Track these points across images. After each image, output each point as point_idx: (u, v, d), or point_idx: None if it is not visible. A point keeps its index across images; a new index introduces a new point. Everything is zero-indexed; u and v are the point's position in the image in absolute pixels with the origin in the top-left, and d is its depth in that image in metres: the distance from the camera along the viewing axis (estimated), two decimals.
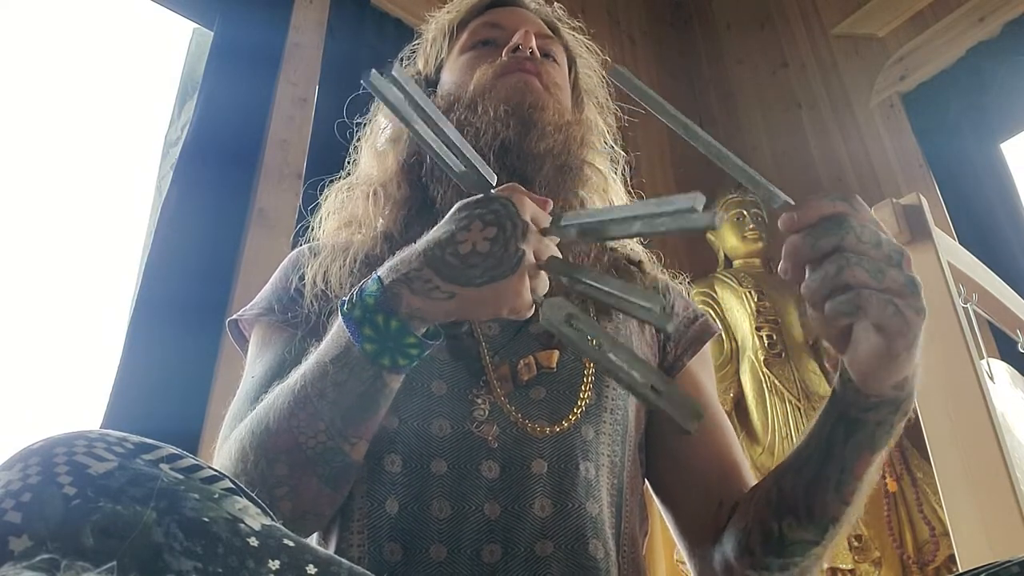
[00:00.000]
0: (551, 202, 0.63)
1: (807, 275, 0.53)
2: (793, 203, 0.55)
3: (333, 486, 0.63)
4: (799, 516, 0.64)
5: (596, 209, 0.59)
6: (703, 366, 0.86)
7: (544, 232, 0.59)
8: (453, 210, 0.60)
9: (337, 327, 0.61)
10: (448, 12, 0.92)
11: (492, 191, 0.61)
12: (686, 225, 0.54)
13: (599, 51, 0.98)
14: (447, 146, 0.61)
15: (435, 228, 0.60)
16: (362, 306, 0.58)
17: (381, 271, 0.60)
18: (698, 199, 0.52)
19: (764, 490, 0.69)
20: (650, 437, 0.81)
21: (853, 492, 0.63)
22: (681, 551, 0.79)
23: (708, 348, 0.88)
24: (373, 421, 0.63)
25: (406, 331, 0.57)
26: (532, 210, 0.59)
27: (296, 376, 0.63)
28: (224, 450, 0.65)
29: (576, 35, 0.96)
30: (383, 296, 0.57)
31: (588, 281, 0.57)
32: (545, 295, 0.59)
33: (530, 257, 0.57)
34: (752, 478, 0.78)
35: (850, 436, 0.60)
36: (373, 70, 0.58)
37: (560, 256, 0.61)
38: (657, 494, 0.82)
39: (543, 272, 0.59)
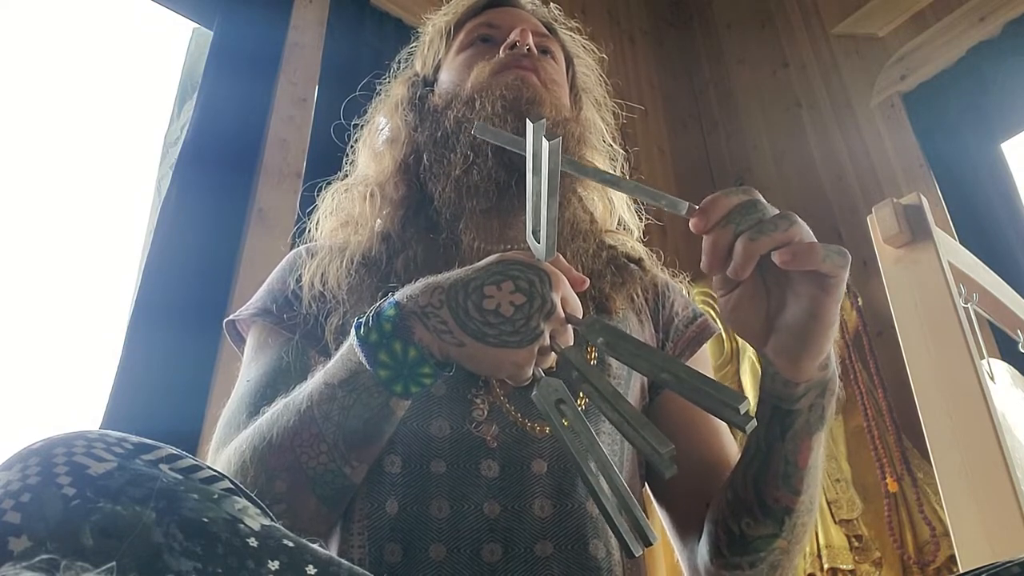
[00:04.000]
0: (587, 281, 0.64)
1: (750, 243, 0.53)
2: (697, 207, 0.56)
3: (330, 506, 0.63)
4: (754, 514, 0.66)
5: (634, 340, 0.59)
6: (702, 365, 0.86)
7: (571, 321, 0.60)
8: (491, 259, 0.60)
9: (347, 349, 0.61)
10: (445, 14, 0.93)
11: (537, 260, 0.61)
12: (715, 413, 0.53)
13: (596, 50, 0.99)
14: (542, 216, 0.61)
15: (466, 269, 0.60)
16: (379, 331, 0.58)
17: (400, 296, 0.60)
18: (745, 404, 0.52)
19: (722, 493, 0.70)
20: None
21: (801, 481, 0.64)
22: (674, 547, 0.80)
23: (706, 349, 0.88)
24: (376, 447, 0.63)
25: (423, 361, 0.58)
26: (566, 292, 0.60)
27: (303, 395, 0.63)
28: (222, 459, 0.65)
29: (573, 35, 0.96)
30: (400, 324, 0.58)
31: (599, 390, 0.56)
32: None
33: (546, 338, 0.57)
34: None
35: (786, 429, 0.62)
36: (540, 123, 0.60)
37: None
38: (654, 494, 0.82)
39: (552, 353, 0.59)
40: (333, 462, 0.61)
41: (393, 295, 0.61)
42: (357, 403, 0.59)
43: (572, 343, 0.60)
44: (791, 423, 0.62)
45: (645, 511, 0.79)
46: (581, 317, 0.60)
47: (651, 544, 0.53)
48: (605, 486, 0.55)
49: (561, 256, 0.63)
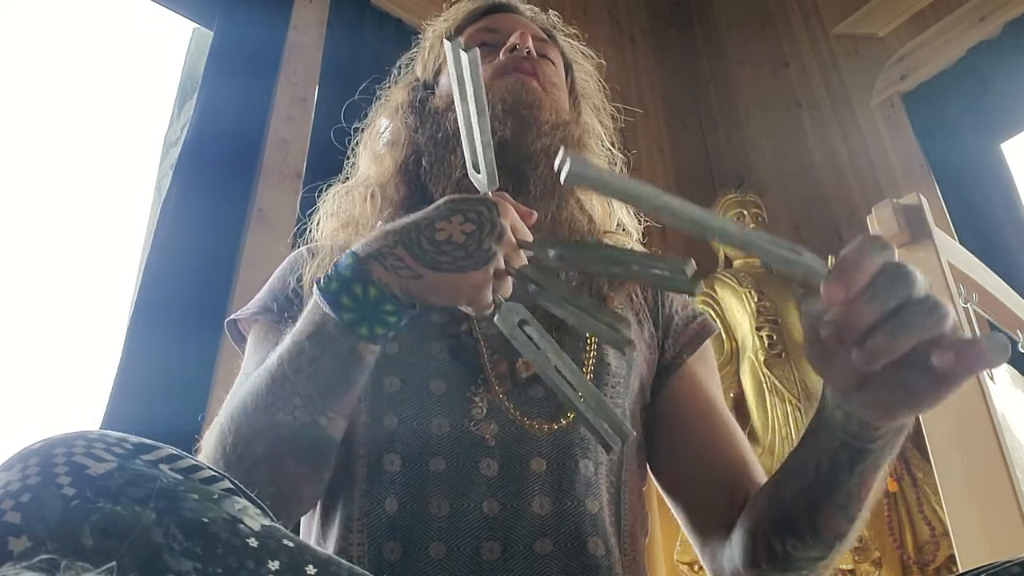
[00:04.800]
0: (535, 214, 0.66)
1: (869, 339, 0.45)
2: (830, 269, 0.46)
3: (311, 465, 0.63)
4: (804, 538, 0.63)
5: (582, 244, 0.62)
6: (703, 362, 0.86)
7: (522, 246, 0.62)
8: (440, 201, 0.63)
9: (312, 305, 0.62)
10: (445, 20, 0.94)
11: (484, 194, 0.64)
12: (667, 286, 0.56)
13: (595, 55, 0.99)
14: (476, 138, 0.64)
15: (416, 213, 0.63)
16: (339, 279, 0.59)
17: (356, 247, 0.62)
18: (689, 266, 0.53)
19: (765, 507, 0.67)
20: (654, 436, 0.81)
21: (860, 509, 0.61)
22: (693, 547, 0.79)
23: (709, 346, 0.88)
24: (349, 396, 0.63)
25: (384, 299, 0.59)
26: (514, 220, 0.62)
27: (273, 357, 0.63)
28: (206, 438, 0.65)
29: (571, 41, 0.97)
30: (359, 267, 0.59)
31: (555, 294, 0.60)
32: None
33: (499, 260, 0.60)
34: (760, 471, 0.77)
35: (855, 464, 0.57)
36: (458, 38, 0.62)
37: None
38: (666, 492, 0.82)
39: (509, 277, 0.62)
40: (308, 415, 0.61)
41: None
42: (325, 352, 0.60)
43: (525, 263, 0.63)
44: (862, 459, 0.56)
45: (646, 507, 0.79)
46: (531, 240, 0.63)
47: (628, 438, 0.57)
48: (578, 393, 0.58)
49: (506, 194, 0.66)
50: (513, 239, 0.61)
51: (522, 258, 0.62)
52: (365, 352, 0.61)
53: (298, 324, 0.63)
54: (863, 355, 0.45)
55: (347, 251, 0.62)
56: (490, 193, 0.65)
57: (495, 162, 0.65)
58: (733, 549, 0.71)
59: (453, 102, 0.82)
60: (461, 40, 0.62)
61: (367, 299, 0.59)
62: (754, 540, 0.68)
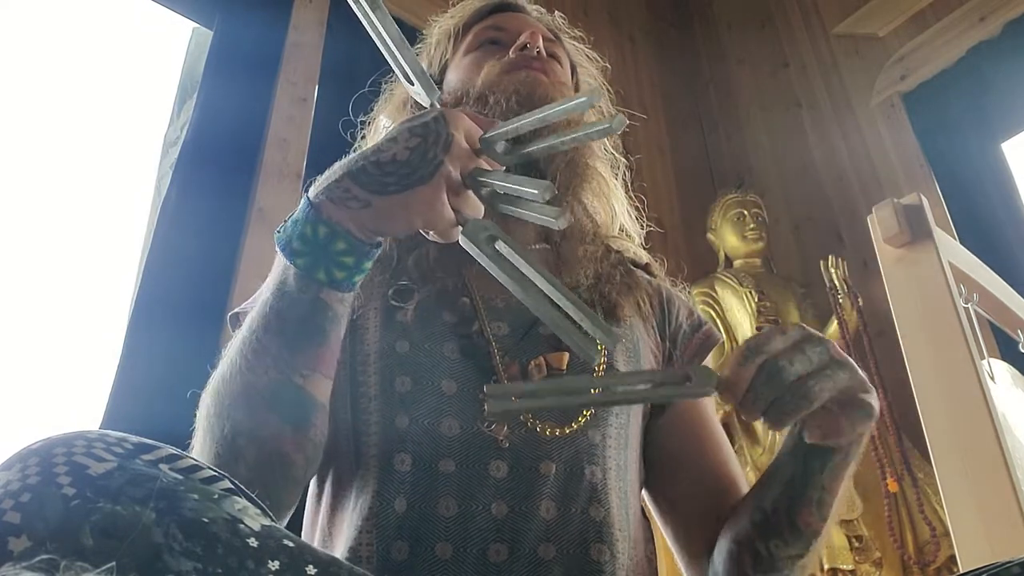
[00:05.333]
0: (497, 122, 0.62)
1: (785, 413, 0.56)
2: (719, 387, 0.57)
3: (293, 426, 0.61)
4: (785, 537, 0.67)
5: (514, 119, 0.60)
6: None
7: (476, 153, 0.59)
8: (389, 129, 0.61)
9: (275, 261, 0.61)
10: (451, 16, 0.93)
11: (432, 105, 0.61)
12: (593, 132, 0.55)
13: (599, 59, 0.99)
14: (394, 51, 0.64)
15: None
16: (291, 223, 0.58)
17: (310, 191, 0.60)
18: (595, 95, 0.55)
19: (747, 514, 0.70)
20: (648, 452, 0.81)
21: (831, 506, 0.66)
22: (679, 564, 0.80)
23: (710, 360, 0.88)
24: (323, 350, 0.61)
25: (335, 237, 0.57)
26: (466, 127, 0.59)
27: (245, 323, 0.63)
28: (197, 418, 0.64)
29: (576, 44, 0.97)
30: (309, 210, 0.57)
31: (495, 181, 0.57)
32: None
33: (452, 171, 0.56)
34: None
35: (826, 464, 0.64)
36: None
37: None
38: (655, 507, 0.82)
39: (470, 193, 0.58)
40: (282, 374, 0.59)
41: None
42: (290, 304, 0.59)
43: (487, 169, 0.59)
44: (830, 459, 0.63)
45: (634, 515, 0.79)
46: (487, 135, 0.59)
47: (617, 341, 0.56)
48: (557, 305, 0.54)
49: (461, 110, 0.63)
50: (465, 145, 0.58)
51: (479, 163, 0.58)
52: (331, 300, 0.59)
53: (264, 286, 0.62)
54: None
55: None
56: (437, 104, 0.62)
57: (423, 68, 0.63)
58: (715, 563, 0.73)
59: (461, 99, 0.82)
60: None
61: (317, 239, 0.57)
62: (739, 547, 0.70)
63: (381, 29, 0.64)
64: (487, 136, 0.59)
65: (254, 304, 0.79)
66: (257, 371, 0.59)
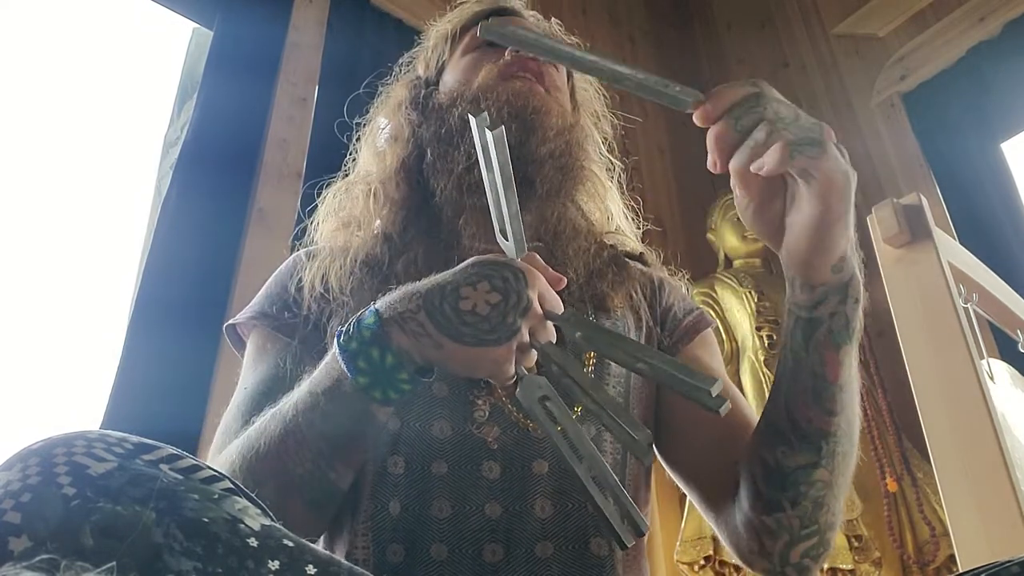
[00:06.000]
0: (565, 280, 0.64)
1: (735, 156, 0.55)
2: (703, 97, 0.56)
3: (317, 511, 0.64)
4: (789, 440, 0.65)
5: (609, 331, 0.61)
6: (702, 346, 0.86)
7: (549, 317, 0.60)
8: (466, 263, 0.61)
9: (331, 358, 0.61)
10: (449, 20, 0.93)
11: (512, 258, 0.62)
12: (689, 397, 0.54)
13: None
14: (503, 210, 0.63)
15: (444, 273, 0.61)
16: (359, 339, 0.59)
17: (379, 304, 0.60)
18: (717, 386, 0.53)
19: (756, 429, 0.70)
20: (660, 422, 0.81)
21: (834, 399, 0.63)
22: (708, 521, 0.79)
23: (711, 334, 0.88)
24: (359, 451, 0.64)
25: (400, 367, 0.58)
26: (542, 288, 0.60)
27: (288, 404, 0.63)
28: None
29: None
30: (379, 330, 0.58)
31: (576, 382, 0.58)
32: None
33: (524, 335, 0.58)
34: None
35: (808, 338, 0.62)
36: (483, 113, 0.63)
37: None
38: (676, 472, 0.82)
39: (533, 350, 0.60)
40: (318, 468, 0.61)
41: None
42: (339, 410, 0.60)
43: (553, 339, 0.61)
44: (812, 331, 0.62)
45: (647, 506, 0.79)
46: (560, 313, 0.61)
47: (643, 534, 0.54)
48: (594, 480, 0.55)
49: (536, 255, 0.64)
50: (539, 311, 0.59)
51: (548, 332, 0.60)
52: (377, 413, 0.61)
53: (316, 373, 0.63)
54: (738, 175, 0.56)
55: (370, 308, 0.60)
56: (518, 259, 0.62)
57: (523, 231, 0.63)
58: (739, 498, 0.71)
59: (456, 100, 0.83)
60: (487, 116, 0.61)
61: (383, 365, 0.58)
62: (749, 463, 0.69)
63: (497, 168, 0.63)
64: (569, 320, 0.60)
65: (250, 315, 0.79)
66: (295, 461, 0.61)
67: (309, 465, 0.61)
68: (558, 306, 0.61)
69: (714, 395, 0.53)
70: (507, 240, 0.64)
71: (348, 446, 0.62)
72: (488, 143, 0.61)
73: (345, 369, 0.59)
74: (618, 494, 0.55)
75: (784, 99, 0.56)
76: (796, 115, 0.55)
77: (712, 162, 0.57)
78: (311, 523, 0.64)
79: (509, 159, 0.62)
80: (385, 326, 0.58)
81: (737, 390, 0.83)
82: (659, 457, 0.83)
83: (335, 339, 0.60)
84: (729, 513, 0.74)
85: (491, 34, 0.63)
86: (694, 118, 0.56)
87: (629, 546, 0.54)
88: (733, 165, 0.56)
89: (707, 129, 0.57)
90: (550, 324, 0.60)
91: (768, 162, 0.54)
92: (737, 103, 0.55)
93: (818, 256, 0.59)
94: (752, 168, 0.55)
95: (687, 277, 0.94)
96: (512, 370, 0.59)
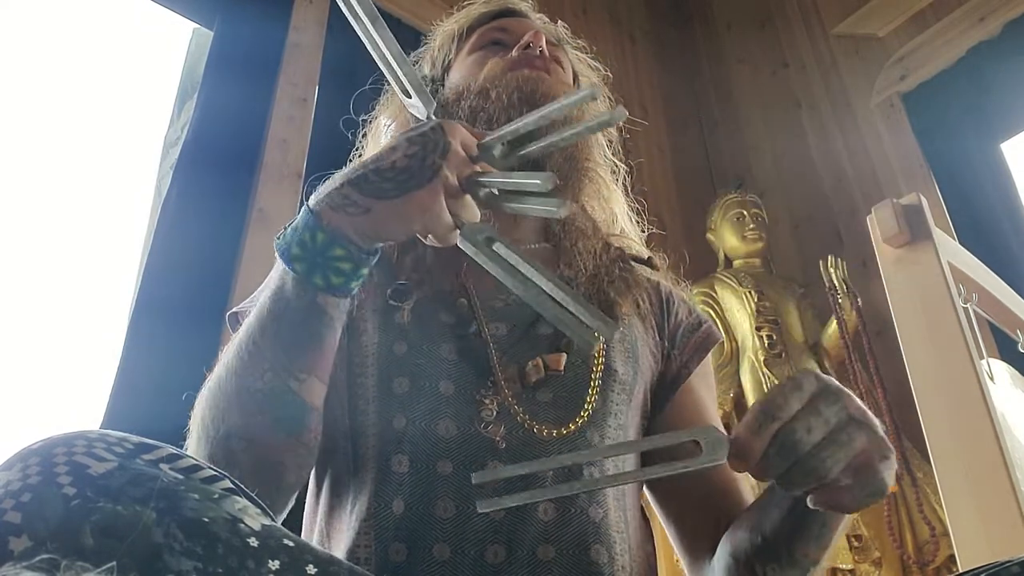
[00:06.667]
0: (488, 134, 0.63)
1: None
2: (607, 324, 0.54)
3: (287, 430, 0.62)
4: (782, 564, 0.65)
5: (511, 123, 0.61)
6: (704, 379, 0.86)
7: (474, 160, 0.60)
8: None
9: (274, 267, 0.62)
10: (456, 20, 0.94)
11: (429, 117, 0.62)
12: (593, 124, 0.55)
13: (602, 68, 0.99)
14: (392, 63, 0.64)
15: None
16: (292, 229, 0.59)
17: (310, 199, 0.61)
18: (596, 91, 0.54)
19: (747, 532, 0.69)
20: (650, 451, 0.81)
21: (831, 540, 0.64)
22: (683, 565, 0.80)
23: (710, 359, 0.88)
24: (319, 355, 0.62)
25: (332, 243, 0.58)
26: (462, 136, 0.60)
27: (243, 327, 0.63)
28: (192, 419, 0.65)
29: (579, 53, 0.97)
30: (309, 216, 0.59)
31: (494, 179, 0.58)
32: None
33: (450, 177, 0.58)
34: (749, 495, 0.78)
35: (828, 515, 0.62)
36: None
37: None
38: (659, 508, 0.82)
39: (468, 197, 0.59)
40: (277, 377, 0.60)
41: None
42: (287, 308, 0.60)
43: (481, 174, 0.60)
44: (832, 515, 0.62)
45: (647, 512, 0.79)
46: (478, 153, 0.61)
47: (616, 328, 0.56)
48: (553, 299, 0.55)
49: (454, 122, 0.64)
50: (461, 152, 0.59)
51: (475, 168, 0.60)
52: (327, 306, 0.60)
53: (263, 289, 0.63)
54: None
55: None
56: (434, 116, 0.63)
57: (420, 79, 0.64)
58: (715, 570, 0.72)
59: (462, 94, 0.83)
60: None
61: (315, 245, 0.58)
62: (737, 564, 0.69)
63: (380, 43, 0.64)
64: (484, 142, 0.61)
65: (252, 305, 0.79)
66: (253, 374, 0.60)
67: (268, 376, 0.60)
68: (474, 145, 0.61)
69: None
70: (410, 99, 0.64)
71: (303, 349, 0.61)
72: (356, 7, 0.62)
73: (283, 263, 0.59)
74: (583, 303, 0.54)
75: (804, 402, 0.54)
76: (826, 425, 0.53)
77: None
78: (284, 445, 0.62)
79: (375, 12, 0.62)
80: (313, 210, 0.59)
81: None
82: (645, 490, 0.83)
83: (274, 243, 0.60)
84: (701, 567, 0.75)
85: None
86: (728, 461, 0.54)
87: (605, 339, 0.55)
88: (791, 488, 0.55)
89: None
90: (479, 168, 0.60)
91: (834, 506, 0.56)
92: (769, 451, 0.53)
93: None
94: (810, 503, 0.57)
95: (684, 276, 0.94)
96: (446, 216, 0.58)
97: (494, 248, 0.57)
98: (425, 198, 0.57)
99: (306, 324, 0.60)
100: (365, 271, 0.60)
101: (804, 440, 0.52)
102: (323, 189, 0.60)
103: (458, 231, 0.59)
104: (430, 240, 0.61)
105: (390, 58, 0.64)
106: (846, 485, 0.54)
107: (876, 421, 0.56)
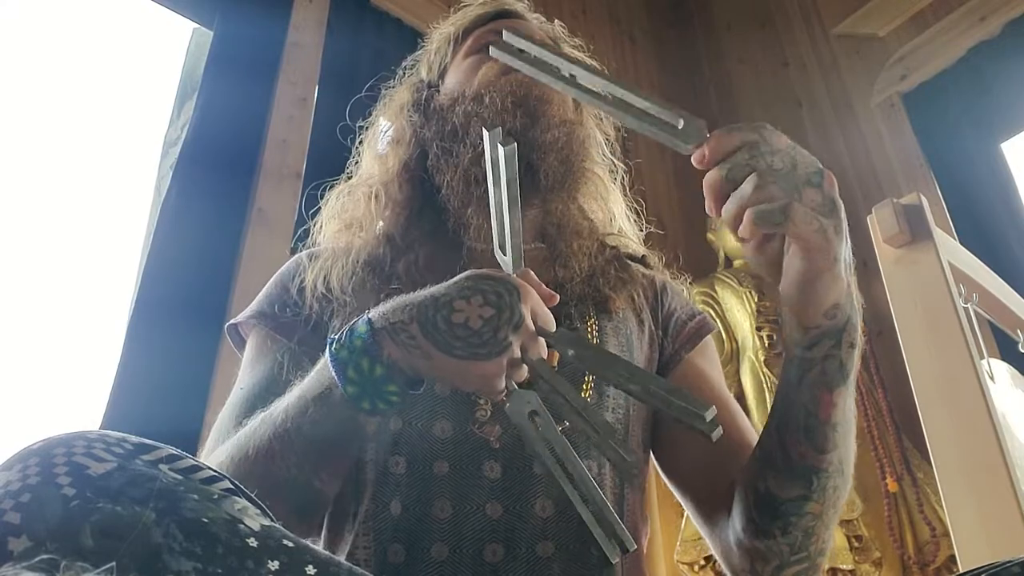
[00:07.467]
0: (557, 297, 0.64)
1: (724, 206, 0.56)
2: (704, 137, 0.56)
3: (300, 517, 0.64)
4: (779, 470, 0.65)
5: (602, 351, 0.61)
6: (703, 355, 0.86)
7: (541, 334, 0.60)
8: (461, 276, 0.61)
9: (322, 364, 0.61)
10: (452, 23, 0.94)
11: (507, 272, 0.62)
12: (683, 420, 0.54)
13: (599, 63, 0.99)
14: (506, 226, 0.64)
15: (439, 286, 0.61)
16: (350, 348, 0.58)
17: (372, 314, 0.60)
18: (711, 411, 0.53)
19: (751, 456, 0.70)
20: (659, 431, 0.81)
21: (825, 437, 0.63)
22: (702, 534, 0.79)
23: (711, 341, 0.88)
24: (345, 461, 0.65)
25: (389, 379, 0.58)
26: (535, 304, 0.60)
27: (279, 409, 0.63)
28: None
29: (577, 52, 0.97)
30: (370, 341, 0.58)
31: (567, 399, 0.58)
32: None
33: (515, 350, 0.58)
34: None
35: (802, 377, 0.62)
36: (497, 128, 0.63)
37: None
38: (672, 483, 0.82)
39: (524, 366, 0.60)
40: (303, 474, 0.62)
41: (382, 304, 0.62)
42: (327, 417, 0.60)
43: (544, 356, 0.60)
44: (805, 370, 0.61)
45: (646, 508, 0.79)
46: (552, 330, 0.61)
47: (628, 551, 0.55)
48: (581, 497, 0.56)
49: (531, 271, 0.64)
50: (532, 327, 0.59)
51: (540, 347, 0.60)
52: (365, 423, 0.62)
53: (307, 379, 0.63)
54: (728, 223, 0.56)
55: (363, 318, 0.60)
56: (514, 274, 0.63)
57: (522, 249, 0.64)
58: (732, 517, 0.71)
59: (457, 99, 0.83)
60: (500, 132, 0.62)
61: (372, 376, 0.58)
62: (744, 489, 0.69)
63: (504, 185, 0.63)
64: (559, 336, 0.61)
65: (252, 316, 0.79)
66: (281, 465, 0.61)
67: (295, 470, 0.61)
68: (551, 323, 0.61)
69: (708, 420, 0.53)
70: (505, 255, 0.64)
71: (334, 454, 0.63)
72: (499, 158, 0.62)
73: (335, 377, 0.58)
74: (604, 512, 0.55)
75: (785, 146, 0.56)
76: (793, 164, 0.55)
77: (708, 207, 0.57)
78: (295, 530, 0.64)
79: (517, 176, 0.62)
80: (376, 336, 0.58)
81: (737, 406, 0.83)
82: (656, 467, 0.83)
83: (327, 346, 0.60)
84: (722, 529, 0.74)
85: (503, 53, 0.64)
86: (692, 159, 0.56)
87: (614, 563, 0.55)
88: (723, 216, 0.56)
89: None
90: (541, 340, 0.60)
91: (741, 231, 0.55)
92: (733, 150, 0.55)
93: (809, 303, 0.59)
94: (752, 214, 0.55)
95: (688, 281, 0.94)
96: (502, 385, 0.58)
97: (535, 420, 0.58)
98: (490, 369, 0.57)
99: (343, 436, 0.62)
100: (407, 400, 0.60)
101: (765, 158, 0.55)
102: (389, 312, 0.60)
103: (505, 393, 0.60)
104: (474, 390, 0.61)
105: (506, 221, 0.64)
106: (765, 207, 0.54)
107: (841, 207, 0.58)
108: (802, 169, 0.55)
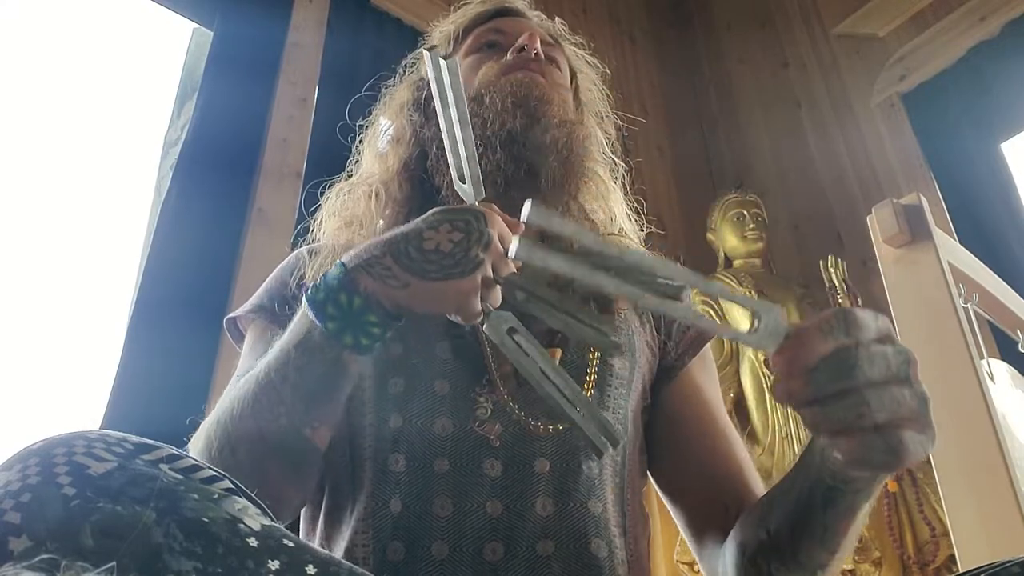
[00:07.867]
0: (523, 226, 0.63)
1: (809, 411, 0.48)
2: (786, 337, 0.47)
3: (295, 472, 0.64)
4: (786, 562, 0.64)
5: (566, 254, 0.60)
6: (704, 368, 0.86)
7: (509, 255, 0.61)
8: (429, 212, 0.63)
9: (300, 314, 0.62)
10: (452, 21, 0.94)
11: (472, 204, 0.64)
12: (661, 306, 0.50)
13: (600, 64, 0.99)
14: (460, 148, 0.65)
15: (406, 224, 0.63)
16: (326, 288, 0.60)
17: (345, 257, 0.62)
18: (686, 292, 0.53)
19: (755, 528, 0.68)
20: (653, 439, 0.82)
21: (839, 544, 0.62)
22: (690, 548, 0.80)
23: (709, 350, 0.88)
24: (334, 406, 0.64)
25: (368, 309, 0.59)
26: (501, 229, 0.62)
27: (261, 364, 0.63)
28: (194, 440, 0.65)
29: (577, 50, 0.97)
30: (346, 278, 0.59)
31: (543, 301, 0.60)
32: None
33: (487, 268, 0.60)
34: (757, 480, 0.78)
35: (828, 504, 0.58)
36: (436, 47, 0.62)
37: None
38: (664, 494, 0.83)
39: (497, 286, 0.62)
40: (292, 425, 0.61)
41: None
42: (311, 361, 0.60)
43: (513, 271, 0.63)
44: (835, 501, 0.57)
45: (646, 508, 0.80)
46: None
47: (618, 443, 0.58)
48: (567, 398, 0.59)
49: (494, 205, 0.66)
50: (500, 247, 0.61)
51: (510, 266, 0.62)
52: (349, 362, 0.61)
53: (287, 332, 0.64)
54: (820, 420, 0.48)
55: (337, 261, 0.62)
56: (477, 203, 0.65)
57: (480, 172, 0.65)
58: (726, 560, 0.72)
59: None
60: (440, 49, 0.62)
61: (351, 309, 0.59)
62: (743, 557, 0.69)
63: (456, 123, 0.64)
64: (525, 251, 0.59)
65: (252, 310, 0.79)
66: (268, 417, 0.61)
67: (284, 421, 0.61)
68: (512, 242, 0.62)
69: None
70: (464, 183, 0.66)
71: (322, 399, 0.62)
72: (443, 76, 0.62)
73: (314, 318, 0.59)
74: (592, 410, 0.58)
75: (877, 326, 0.48)
76: (886, 364, 0.47)
77: (779, 401, 0.50)
78: (290, 487, 0.64)
79: (464, 94, 0.63)
80: (352, 273, 0.60)
81: (736, 434, 0.82)
82: (650, 478, 0.83)
83: (304, 292, 0.61)
84: (712, 556, 0.75)
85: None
86: (771, 361, 0.48)
87: (606, 452, 0.58)
88: (811, 420, 0.49)
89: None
90: (510, 262, 0.62)
91: (851, 459, 0.48)
92: (824, 359, 0.46)
93: (870, 472, 0.54)
94: (825, 444, 0.51)
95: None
96: (478, 305, 0.60)
97: (515, 339, 0.61)
98: (464, 286, 0.59)
99: (328, 378, 0.61)
100: (388, 334, 0.61)
101: (863, 371, 0.46)
102: (361, 251, 0.61)
103: (483, 315, 0.62)
104: (453, 317, 0.63)
105: (459, 141, 0.65)
106: (874, 439, 0.46)
107: (928, 398, 0.49)
108: (894, 363, 0.47)
